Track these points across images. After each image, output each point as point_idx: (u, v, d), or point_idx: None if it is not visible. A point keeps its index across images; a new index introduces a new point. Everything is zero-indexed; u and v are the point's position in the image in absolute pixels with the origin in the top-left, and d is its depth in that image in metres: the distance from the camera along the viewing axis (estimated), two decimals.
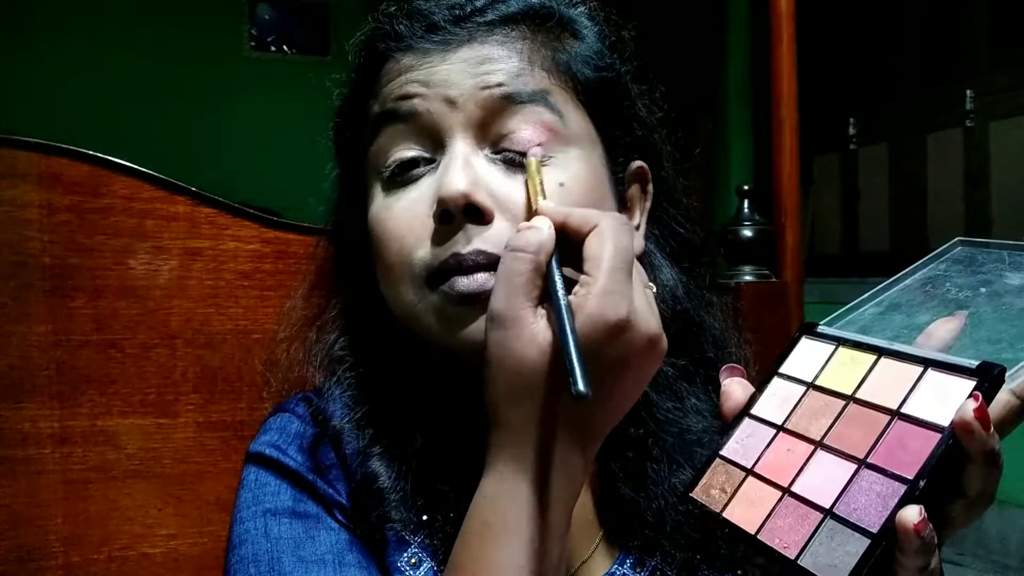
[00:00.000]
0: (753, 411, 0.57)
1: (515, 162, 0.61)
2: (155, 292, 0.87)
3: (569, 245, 0.54)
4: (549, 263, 0.52)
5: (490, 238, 0.58)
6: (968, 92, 3.37)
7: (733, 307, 0.77)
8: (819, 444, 0.52)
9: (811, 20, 1.54)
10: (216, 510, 0.88)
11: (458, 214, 0.58)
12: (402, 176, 0.62)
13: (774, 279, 1.19)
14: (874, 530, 0.45)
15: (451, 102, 0.61)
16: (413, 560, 0.62)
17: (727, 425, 0.58)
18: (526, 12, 0.64)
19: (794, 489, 0.51)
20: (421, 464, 0.63)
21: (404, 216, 0.61)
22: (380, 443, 0.64)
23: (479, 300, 0.58)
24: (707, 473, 0.56)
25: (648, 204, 0.70)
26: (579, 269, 0.52)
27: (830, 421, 0.52)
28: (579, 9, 0.68)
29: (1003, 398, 0.48)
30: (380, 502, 0.62)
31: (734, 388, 0.59)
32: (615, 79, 0.67)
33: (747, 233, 1.19)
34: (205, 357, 0.89)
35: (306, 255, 0.78)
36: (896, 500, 0.46)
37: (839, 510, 0.48)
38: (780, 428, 0.55)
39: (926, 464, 0.46)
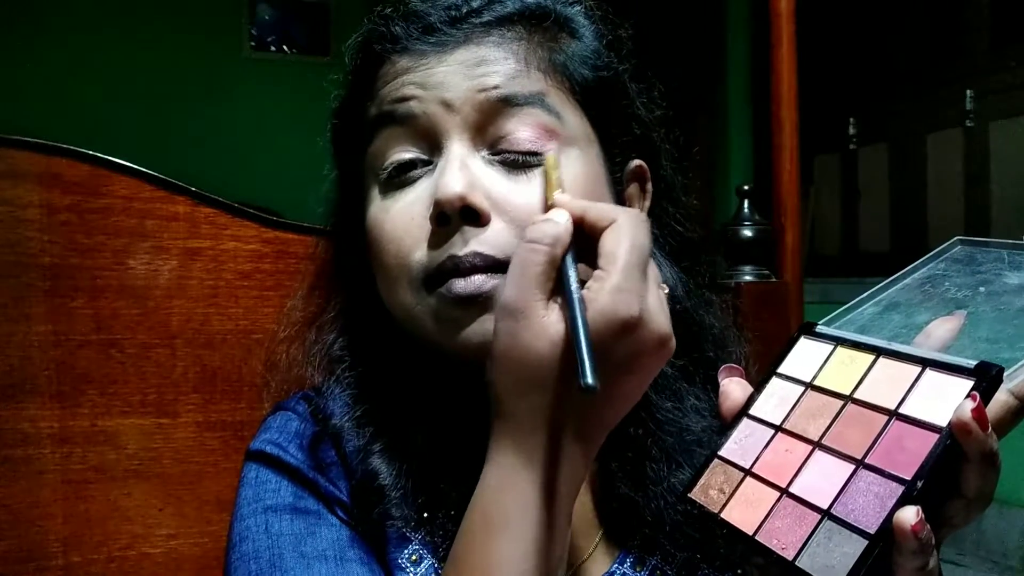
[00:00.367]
0: (751, 411, 0.57)
1: (516, 163, 0.61)
2: (155, 292, 0.87)
3: (585, 240, 0.53)
4: (564, 256, 0.52)
5: (487, 240, 0.58)
6: (968, 92, 3.36)
7: (733, 307, 0.77)
8: (817, 444, 0.52)
9: (811, 20, 1.53)
10: (216, 510, 0.88)
11: (454, 216, 0.58)
12: (399, 178, 0.62)
13: (774, 279, 1.19)
14: (871, 531, 0.46)
15: (448, 105, 0.61)
16: (414, 557, 0.62)
17: (726, 425, 0.58)
18: (522, 13, 0.63)
19: (792, 490, 0.51)
20: (422, 462, 0.64)
21: (401, 218, 0.61)
22: (380, 441, 0.64)
23: (476, 302, 0.58)
24: (705, 473, 0.56)
25: (647, 203, 0.70)
26: (594, 264, 0.52)
27: (828, 421, 0.53)
28: (576, 8, 0.67)
29: (1001, 398, 0.48)
30: (381, 499, 0.62)
31: (732, 388, 0.59)
32: (612, 78, 0.67)
33: (747, 233, 1.19)
34: (205, 357, 0.89)
35: (306, 255, 0.78)
36: (894, 501, 0.46)
37: (837, 511, 0.48)
38: (778, 428, 0.55)
39: (924, 464, 0.46)
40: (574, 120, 0.63)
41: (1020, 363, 0.49)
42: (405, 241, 0.61)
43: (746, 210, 1.22)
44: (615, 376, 0.51)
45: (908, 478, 0.46)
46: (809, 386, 0.56)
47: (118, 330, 0.86)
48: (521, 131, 0.61)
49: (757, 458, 0.54)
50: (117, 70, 4.12)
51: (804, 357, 0.58)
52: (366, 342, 0.69)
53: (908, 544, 0.44)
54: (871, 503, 0.47)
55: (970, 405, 0.45)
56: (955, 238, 0.64)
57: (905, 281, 0.63)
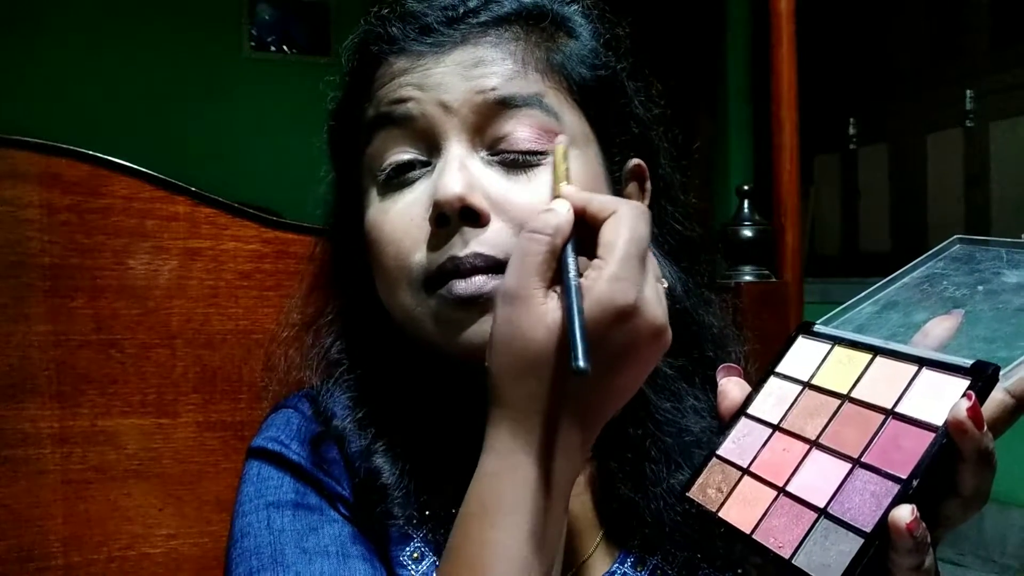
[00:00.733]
0: (749, 410, 0.57)
1: (515, 163, 0.61)
2: (155, 292, 0.87)
3: (588, 232, 0.53)
4: (564, 246, 0.52)
5: (487, 240, 0.59)
6: (968, 92, 3.36)
7: (732, 306, 0.77)
8: (814, 443, 0.52)
9: (811, 20, 1.54)
10: (216, 510, 0.88)
11: (454, 217, 0.58)
12: (398, 179, 0.63)
13: (774, 279, 1.19)
14: (867, 529, 0.46)
15: (446, 106, 0.61)
16: (415, 555, 0.62)
17: (724, 425, 0.58)
18: (519, 13, 0.63)
19: (789, 488, 0.51)
20: (424, 461, 0.64)
21: (400, 220, 0.61)
22: (382, 441, 0.64)
23: (477, 303, 0.58)
24: (703, 472, 0.57)
25: (646, 202, 0.70)
26: (595, 256, 0.52)
27: (825, 420, 0.53)
28: (573, 7, 0.67)
29: (997, 397, 0.48)
30: (383, 498, 0.62)
31: (731, 387, 0.59)
32: (610, 77, 0.67)
33: (747, 233, 1.20)
34: (205, 357, 0.89)
35: (306, 255, 0.78)
36: (889, 499, 0.46)
37: (833, 509, 0.48)
38: (776, 427, 0.55)
39: (919, 463, 0.46)
40: (572, 120, 0.63)
41: (1016, 362, 0.49)
42: (404, 243, 0.61)
43: (746, 210, 1.22)
44: (611, 364, 0.51)
45: (904, 477, 0.46)
46: (807, 385, 0.56)
47: (118, 330, 0.86)
48: (520, 131, 0.61)
49: (755, 457, 0.54)
50: (117, 70, 4.12)
51: (802, 356, 0.58)
52: (365, 344, 0.69)
53: (904, 542, 0.44)
54: (867, 502, 0.47)
55: (966, 404, 0.45)
56: (954, 236, 0.64)
57: (903, 280, 0.63)
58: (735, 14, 4.45)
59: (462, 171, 0.59)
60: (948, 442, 0.46)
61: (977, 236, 0.63)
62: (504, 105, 0.61)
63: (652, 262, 0.54)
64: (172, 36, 4.22)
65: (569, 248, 0.52)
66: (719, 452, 0.57)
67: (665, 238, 0.71)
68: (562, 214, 0.53)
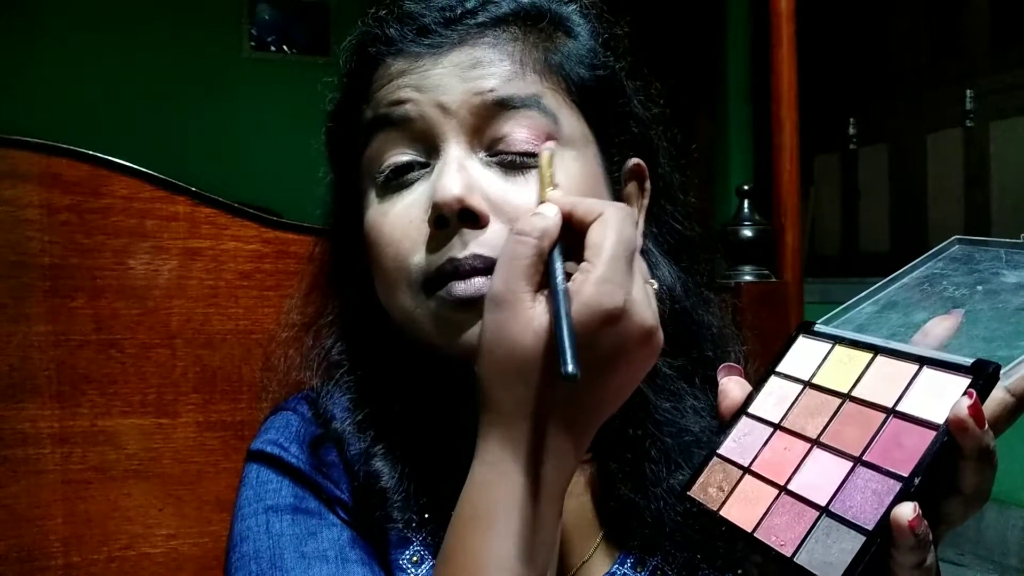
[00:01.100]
0: (750, 410, 0.57)
1: (514, 164, 0.61)
2: (155, 292, 0.87)
3: (575, 236, 0.53)
4: (551, 249, 0.52)
5: (486, 242, 0.58)
6: (968, 92, 3.36)
7: (731, 306, 0.77)
8: (815, 442, 0.52)
9: (811, 20, 1.54)
10: (216, 510, 0.88)
11: (453, 218, 0.58)
12: (396, 181, 0.62)
13: (774, 279, 1.19)
14: (869, 527, 0.46)
15: (444, 108, 0.61)
16: (415, 558, 0.62)
17: (724, 424, 0.58)
18: (517, 13, 0.63)
19: (790, 487, 0.51)
20: (423, 464, 0.63)
21: (399, 221, 0.61)
22: (382, 444, 0.64)
23: (477, 304, 0.58)
24: (704, 471, 0.56)
25: (646, 201, 0.70)
26: (583, 259, 0.52)
27: (826, 419, 0.53)
28: (571, 7, 0.67)
29: (998, 396, 0.48)
30: (383, 502, 0.62)
31: (731, 387, 0.59)
32: (609, 77, 0.67)
33: (747, 233, 1.20)
34: (205, 357, 0.89)
35: (306, 255, 0.78)
36: (891, 497, 0.46)
37: (835, 507, 0.48)
38: (777, 426, 0.55)
39: (921, 461, 0.46)
40: (571, 120, 0.63)
41: (1017, 361, 0.49)
42: (404, 244, 0.61)
43: (746, 210, 1.22)
44: (601, 367, 0.51)
45: (905, 475, 0.46)
46: (807, 384, 0.56)
47: (118, 330, 0.86)
48: (518, 132, 0.60)
49: (756, 456, 0.54)
50: (117, 70, 4.13)
51: (802, 356, 0.58)
52: (365, 346, 0.69)
53: (905, 540, 0.44)
54: (869, 500, 0.47)
55: (967, 402, 0.45)
56: (953, 237, 0.64)
57: (903, 280, 0.63)
58: (735, 14, 4.46)
59: (461, 172, 0.59)
60: (949, 440, 0.46)
61: (977, 236, 0.63)
62: (502, 106, 0.60)
63: (640, 264, 0.54)
64: (172, 36, 4.23)
65: (556, 251, 0.52)
66: (720, 451, 0.57)
67: (665, 238, 0.71)
68: (549, 217, 0.53)
